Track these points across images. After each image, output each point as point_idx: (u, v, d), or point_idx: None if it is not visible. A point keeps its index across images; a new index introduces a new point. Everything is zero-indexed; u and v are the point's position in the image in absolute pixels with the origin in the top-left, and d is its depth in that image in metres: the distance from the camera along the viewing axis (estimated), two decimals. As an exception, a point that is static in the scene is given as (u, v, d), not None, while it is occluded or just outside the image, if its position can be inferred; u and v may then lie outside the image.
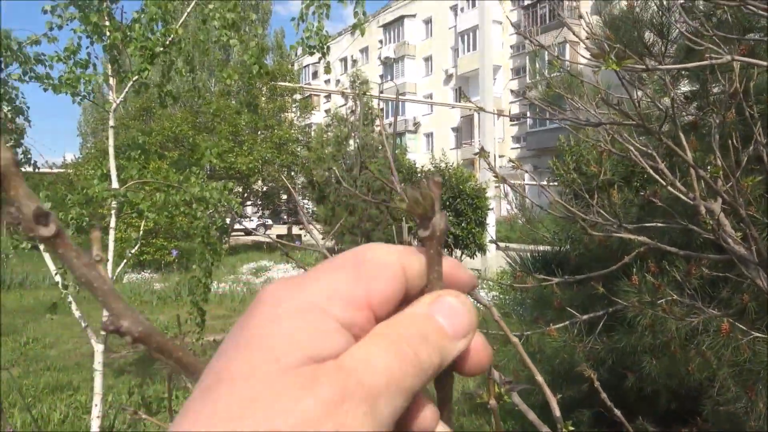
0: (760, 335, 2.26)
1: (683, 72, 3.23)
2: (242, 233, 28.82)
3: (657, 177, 2.10)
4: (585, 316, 3.05)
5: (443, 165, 13.86)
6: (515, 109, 35.52)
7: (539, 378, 1.35)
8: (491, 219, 11.20)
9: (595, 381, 1.22)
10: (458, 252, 11.68)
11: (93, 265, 0.28)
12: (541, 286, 3.73)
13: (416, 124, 42.55)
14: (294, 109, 26.47)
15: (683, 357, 2.64)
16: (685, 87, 3.37)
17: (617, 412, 1.22)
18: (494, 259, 11.14)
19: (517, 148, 36.10)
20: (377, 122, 16.33)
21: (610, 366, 3.00)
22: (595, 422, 3.20)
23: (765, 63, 1.52)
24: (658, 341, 2.67)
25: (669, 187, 2.04)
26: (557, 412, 1.39)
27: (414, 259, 0.31)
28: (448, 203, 12.46)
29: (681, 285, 2.60)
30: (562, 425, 1.39)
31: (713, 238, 1.85)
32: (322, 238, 2.12)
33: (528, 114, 34.55)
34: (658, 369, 2.77)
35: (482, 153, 2.51)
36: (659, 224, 2.20)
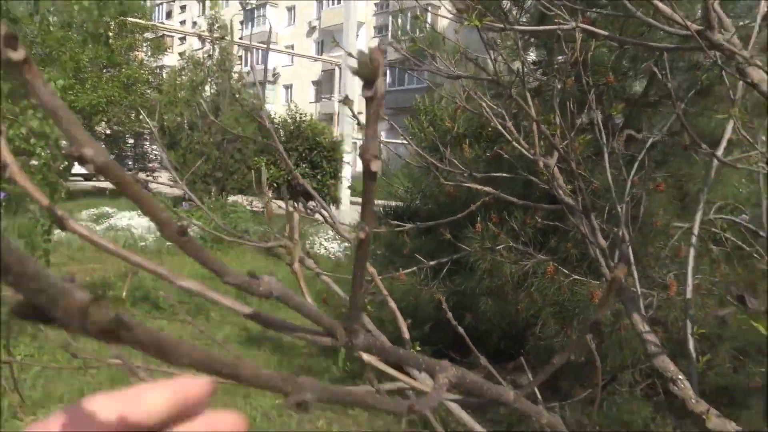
0: (578, 278, 2.59)
1: (532, 41, 3.50)
2: (81, 179, 26.58)
3: (505, 133, 2.29)
4: (432, 262, 3.27)
5: (298, 117, 13.72)
6: (375, 68, 35.75)
7: (392, 304, 1.47)
8: (347, 172, 11.37)
9: (444, 303, 1.36)
10: (312, 204, 11.73)
11: (56, 93, 0.29)
12: (392, 234, 3.91)
13: (275, 75, 41.46)
14: (145, 49, 24.57)
15: (514, 298, 2.94)
16: (532, 55, 3.65)
17: (461, 330, 1.37)
18: (348, 212, 11.37)
19: (376, 106, 36.53)
20: (236, 68, 15.70)
21: (451, 308, 3.26)
22: (435, 358, 3.47)
23: (604, 32, 1.72)
24: (495, 284, 2.95)
25: (514, 143, 2.25)
26: (407, 335, 1.53)
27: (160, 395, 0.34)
28: (304, 155, 12.43)
29: (517, 234, 2.88)
30: (410, 345, 1.53)
31: (548, 188, 2.08)
32: (171, 186, 2.07)
33: (387, 72, 35.01)
34: (493, 309, 3.07)
35: (346, 101, 2.56)
36: (504, 175, 2.41)
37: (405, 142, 3.24)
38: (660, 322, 2.60)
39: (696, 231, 2.12)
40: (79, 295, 0.29)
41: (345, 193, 11.11)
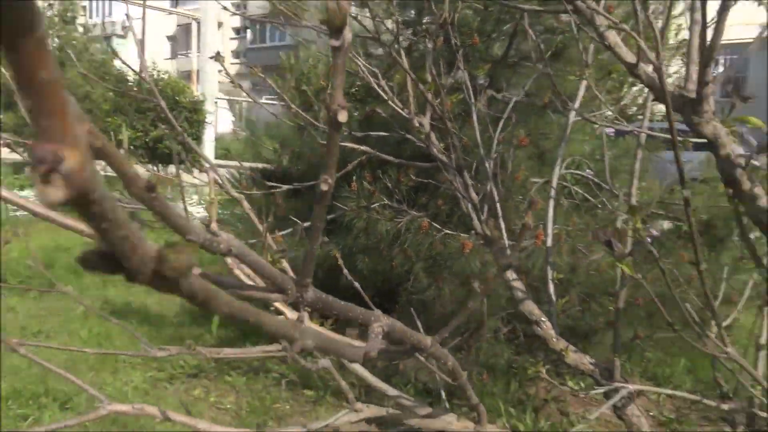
0: (449, 232, 2.71)
1: (398, 1, 3.53)
2: None
3: (381, 92, 2.32)
4: (306, 223, 3.26)
5: (156, 74, 12.87)
6: (236, 23, 34.43)
7: (285, 264, 1.46)
8: (210, 134, 10.89)
9: (339, 259, 1.37)
10: (173, 168, 11.19)
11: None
12: (264, 197, 3.84)
13: (126, 28, 38.40)
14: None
15: (389, 255, 3.03)
16: (399, 16, 3.68)
17: (357, 285, 1.39)
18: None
19: (237, 63, 35.22)
20: (81, 20, 14.36)
21: (329, 267, 3.29)
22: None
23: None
24: (371, 242, 3.01)
25: (389, 102, 2.28)
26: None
27: None
28: (163, 115, 11.71)
29: (391, 192, 2.95)
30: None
31: (424, 146, 2.14)
32: (10, 151, 1.91)
33: (248, 29, 33.78)
34: (369, 267, 3.13)
35: (218, 57, 2.46)
36: (383, 134, 2.44)
37: (270, 102, 3.17)
38: (521, 270, 2.80)
39: (555, 184, 2.30)
40: (152, 244, 0.29)
41: (209, 155, 10.68)
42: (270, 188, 2.53)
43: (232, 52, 36.67)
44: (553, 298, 2.07)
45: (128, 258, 0.28)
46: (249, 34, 33.94)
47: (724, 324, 1.57)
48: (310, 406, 2.84)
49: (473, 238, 2.67)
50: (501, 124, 2.45)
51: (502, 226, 2.20)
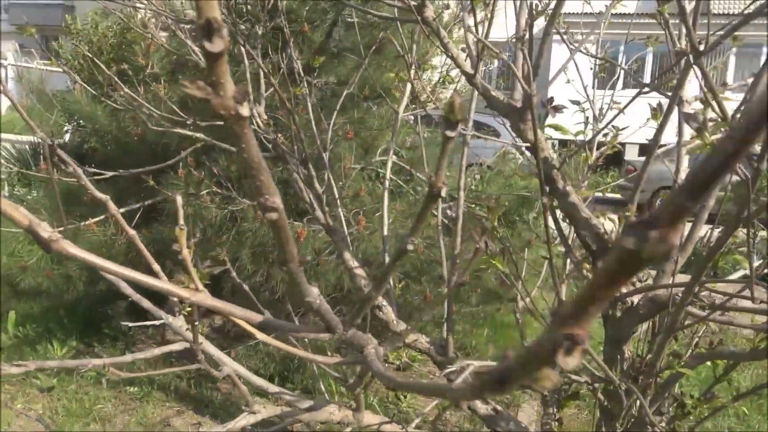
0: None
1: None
2: None
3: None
4: (122, 210, 3.06)
5: None
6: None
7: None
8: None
9: (226, 257, 1.34)
10: None
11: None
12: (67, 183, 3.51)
13: None
14: None
15: (217, 241, 2.96)
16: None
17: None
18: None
19: (-3, 21, 30.61)
20: None
21: (153, 254, 3.12)
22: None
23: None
24: (198, 229, 2.92)
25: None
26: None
27: None
28: None
29: (219, 178, 2.88)
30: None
31: (266, 138, 2.14)
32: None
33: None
34: (198, 254, 3.04)
35: None
36: (217, 123, 2.38)
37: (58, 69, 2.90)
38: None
39: (389, 176, 2.44)
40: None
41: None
42: (93, 175, 2.33)
43: (-9, 5, 31.80)
44: (391, 283, 2.22)
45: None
46: (9, -14, 29.71)
47: (529, 297, 1.85)
48: (136, 403, 2.68)
49: (306, 226, 2.73)
50: (335, 115, 2.53)
51: (341, 214, 2.29)
